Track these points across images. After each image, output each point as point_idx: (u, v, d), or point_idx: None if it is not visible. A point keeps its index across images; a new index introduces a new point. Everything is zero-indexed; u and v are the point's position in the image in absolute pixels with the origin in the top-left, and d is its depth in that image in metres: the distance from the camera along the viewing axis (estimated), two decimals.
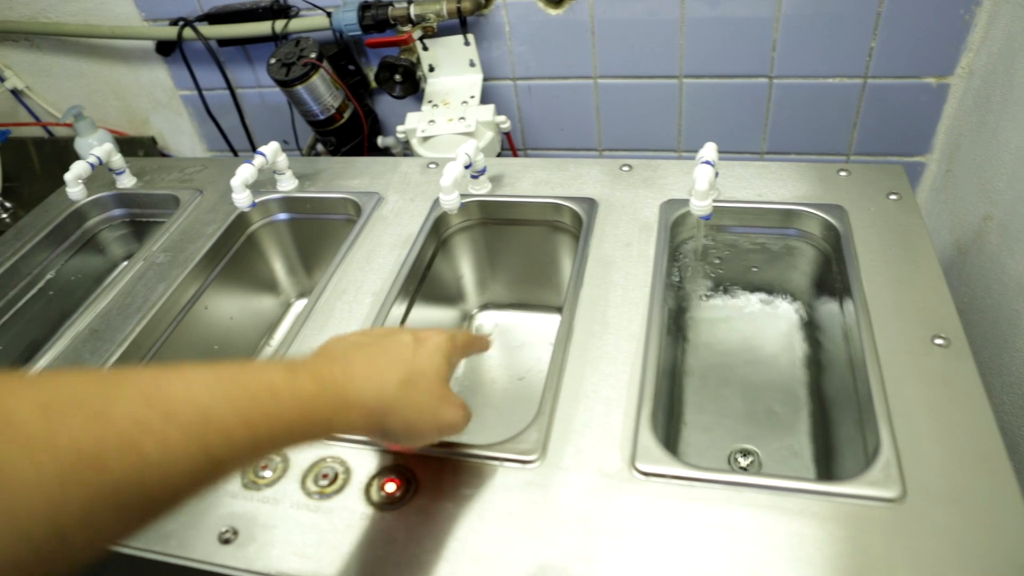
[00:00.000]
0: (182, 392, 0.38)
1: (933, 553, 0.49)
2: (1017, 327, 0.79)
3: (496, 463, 0.58)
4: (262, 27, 1.15)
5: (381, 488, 0.58)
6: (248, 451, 0.40)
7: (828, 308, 0.78)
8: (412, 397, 0.50)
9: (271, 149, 0.93)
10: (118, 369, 0.41)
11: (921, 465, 0.54)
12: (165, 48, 1.26)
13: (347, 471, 0.60)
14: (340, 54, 1.17)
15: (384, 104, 1.27)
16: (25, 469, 0.31)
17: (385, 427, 0.49)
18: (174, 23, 1.19)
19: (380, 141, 1.27)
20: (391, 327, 0.58)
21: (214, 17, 1.19)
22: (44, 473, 0.32)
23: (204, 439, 0.38)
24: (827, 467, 0.70)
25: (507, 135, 1.16)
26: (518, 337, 0.93)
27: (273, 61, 1.11)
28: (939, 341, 0.63)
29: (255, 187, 0.95)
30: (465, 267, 0.93)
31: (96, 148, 1.00)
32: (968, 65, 1.00)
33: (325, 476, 0.60)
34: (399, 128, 1.11)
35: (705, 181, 0.73)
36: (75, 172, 0.97)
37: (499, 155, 1.14)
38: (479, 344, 0.62)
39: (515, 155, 1.22)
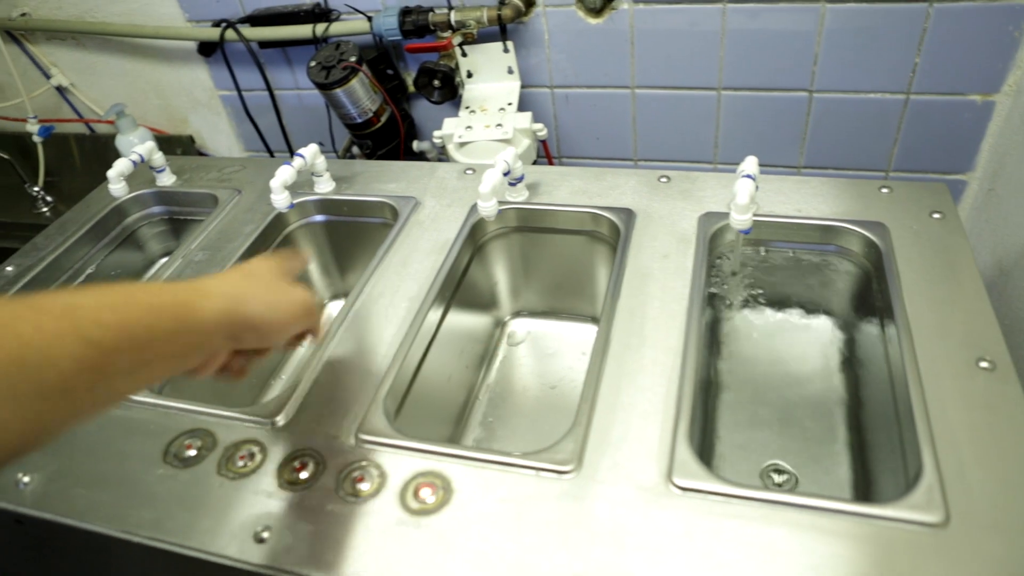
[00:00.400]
0: (51, 296, 0.42)
1: None
2: None
3: (532, 472, 0.58)
4: (303, 30, 1.16)
5: (416, 494, 0.58)
6: (124, 335, 0.43)
7: (867, 327, 0.77)
8: (258, 285, 0.56)
9: (310, 151, 0.94)
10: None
11: (964, 490, 0.53)
12: (207, 49, 1.28)
13: (382, 475, 0.60)
14: (379, 58, 1.18)
15: (420, 109, 1.27)
16: None
17: (245, 314, 0.53)
18: (216, 24, 1.21)
19: (416, 146, 1.27)
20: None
21: (256, 19, 1.21)
22: None
23: (75, 323, 0.41)
24: (863, 488, 0.69)
25: (543, 143, 1.16)
26: (551, 345, 0.93)
27: (313, 64, 1.12)
28: (984, 364, 0.62)
29: (293, 188, 0.96)
30: (500, 274, 0.93)
31: (138, 146, 1.01)
32: (1016, 83, 0.98)
33: (360, 479, 0.60)
34: (436, 133, 1.12)
35: (746, 195, 0.72)
36: (118, 169, 0.98)
37: (535, 163, 1.14)
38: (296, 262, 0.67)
39: (551, 163, 1.22)
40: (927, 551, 0.50)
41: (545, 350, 0.93)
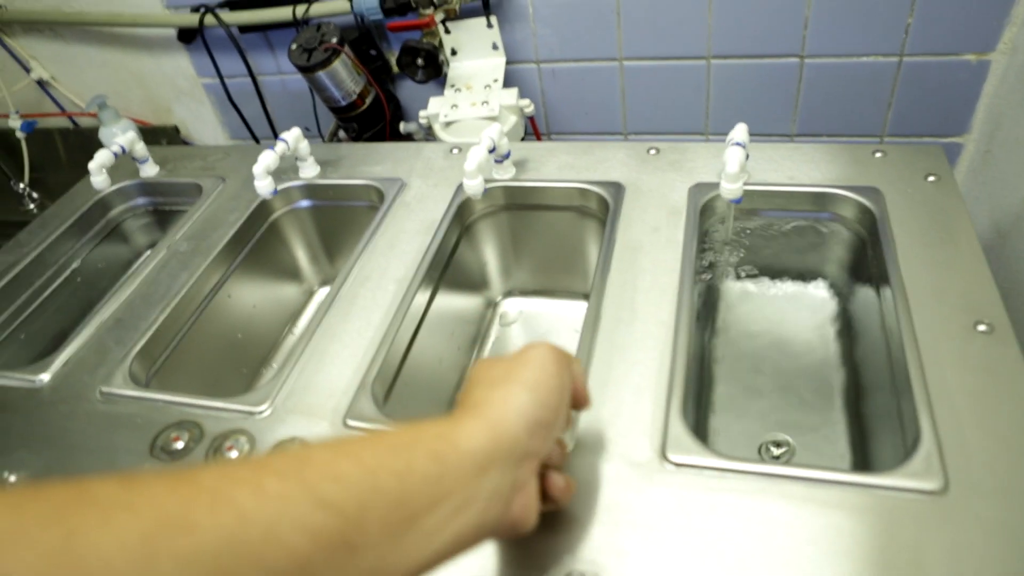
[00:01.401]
0: (276, 454, 0.34)
1: (976, 546, 0.47)
2: None
3: None
4: (283, 12, 1.14)
5: None
6: (368, 488, 0.33)
7: (863, 293, 0.76)
8: (532, 392, 0.44)
9: (293, 136, 0.92)
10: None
11: (964, 456, 0.52)
12: (187, 35, 1.26)
13: None
14: (361, 39, 1.16)
15: (406, 89, 1.25)
16: (105, 540, 0.27)
17: (515, 434, 0.42)
18: (195, 10, 1.19)
19: (402, 127, 1.25)
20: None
21: (235, 3, 1.18)
22: (126, 542, 0.27)
23: (305, 481, 0.32)
24: (863, 457, 0.68)
25: (531, 119, 1.14)
26: (544, 324, 0.92)
27: (294, 47, 1.10)
28: (982, 327, 0.60)
29: (277, 174, 0.95)
30: (489, 253, 0.91)
31: (119, 137, 1.00)
32: (1011, 40, 0.96)
33: None
34: (421, 113, 1.10)
35: (736, 163, 0.71)
36: (98, 161, 0.97)
37: (523, 139, 1.12)
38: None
39: (539, 139, 1.20)
40: (927, 519, 0.49)
41: (538, 329, 0.91)
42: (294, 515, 0.31)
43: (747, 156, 0.78)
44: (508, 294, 0.96)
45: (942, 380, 0.57)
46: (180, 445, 0.65)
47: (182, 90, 1.37)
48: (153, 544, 0.27)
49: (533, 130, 1.17)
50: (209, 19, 1.18)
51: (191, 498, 0.29)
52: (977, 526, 0.48)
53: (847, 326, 0.79)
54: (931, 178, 0.77)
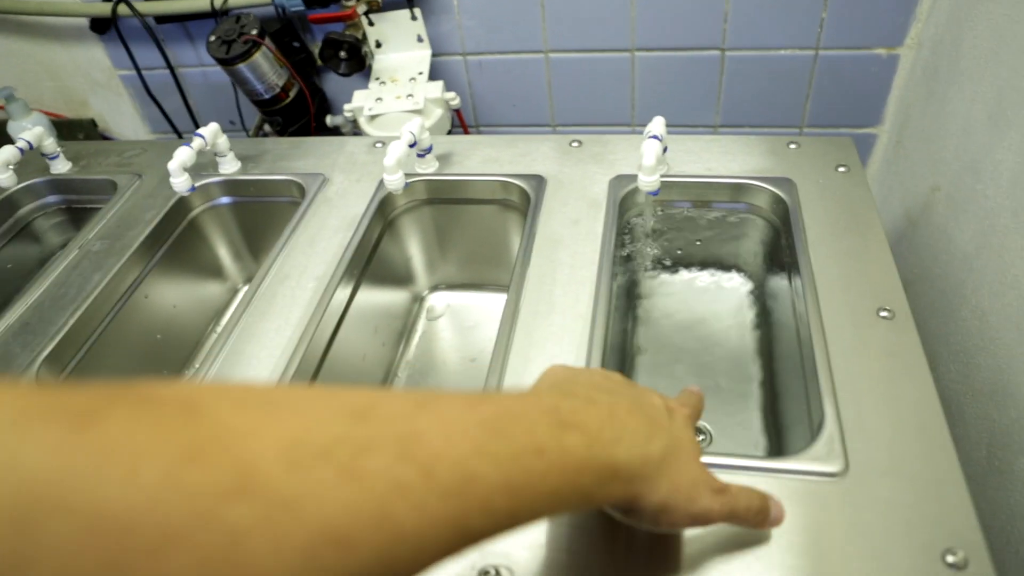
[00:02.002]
0: (442, 442, 0.31)
1: (874, 525, 0.49)
2: (962, 297, 0.79)
3: None
4: (200, 3, 1.11)
5: None
6: (504, 524, 0.33)
7: (778, 282, 0.78)
8: (672, 473, 0.41)
9: (210, 130, 0.90)
10: (369, 391, 0.33)
11: (863, 438, 0.54)
12: (100, 25, 1.21)
13: None
14: (283, 31, 1.13)
15: (333, 82, 1.23)
16: (264, 542, 0.25)
17: (638, 504, 0.40)
18: None
19: (329, 120, 1.23)
20: (621, 376, 0.48)
21: None
22: (284, 551, 0.25)
23: (463, 508, 0.30)
24: (778, 442, 0.70)
25: (458, 112, 1.13)
26: (471, 318, 0.92)
27: (213, 39, 1.07)
28: (884, 313, 0.63)
29: (198, 170, 0.92)
30: (414, 248, 0.91)
31: (26, 132, 0.95)
32: (917, 35, 1.00)
33: None
34: (346, 107, 1.09)
35: (652, 156, 0.71)
36: (3, 158, 0.92)
37: (450, 132, 1.12)
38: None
39: (466, 132, 1.20)
40: (828, 500, 0.50)
41: (465, 323, 0.91)
42: (440, 541, 0.30)
43: (665, 149, 0.79)
44: (435, 288, 0.95)
45: (845, 365, 0.59)
46: None
47: (98, 82, 1.32)
48: (311, 559, 0.25)
49: (460, 123, 1.16)
50: (123, 8, 1.14)
51: (357, 508, 0.27)
52: (874, 505, 0.50)
53: (763, 314, 0.82)
54: (842, 169, 0.80)
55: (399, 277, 0.91)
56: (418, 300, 0.94)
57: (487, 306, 0.93)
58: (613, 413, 0.40)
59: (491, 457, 0.32)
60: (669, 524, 0.42)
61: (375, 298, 0.83)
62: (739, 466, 0.54)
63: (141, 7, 1.13)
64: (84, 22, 1.21)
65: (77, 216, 1.02)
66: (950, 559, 0.46)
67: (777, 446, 0.70)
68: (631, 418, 0.40)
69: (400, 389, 0.31)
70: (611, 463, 0.37)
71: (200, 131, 0.88)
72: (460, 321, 0.92)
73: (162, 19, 1.17)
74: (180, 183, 0.87)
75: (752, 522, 0.46)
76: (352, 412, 0.30)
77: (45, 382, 0.25)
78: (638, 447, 0.39)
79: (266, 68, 1.08)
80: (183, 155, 0.85)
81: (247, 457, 0.26)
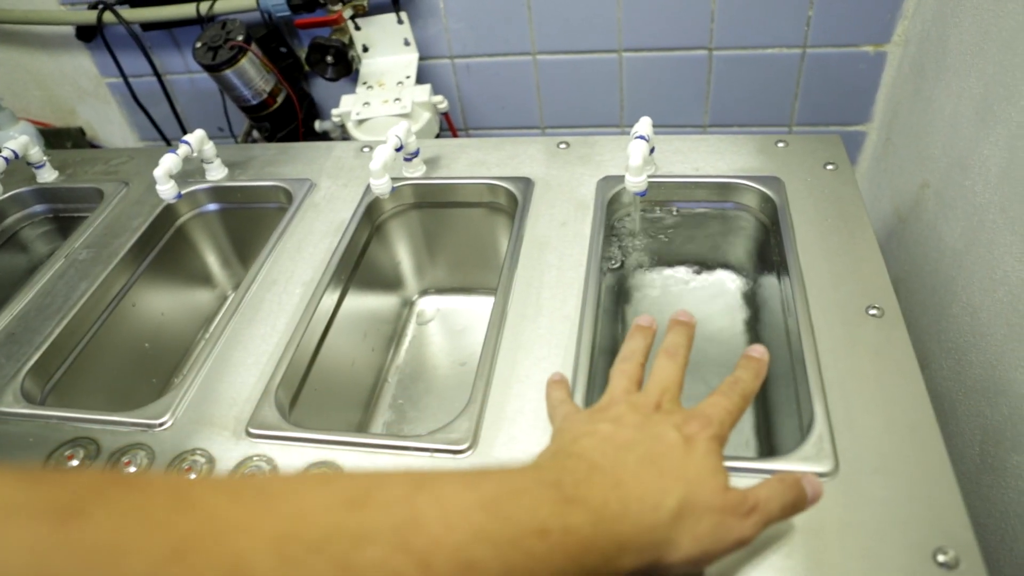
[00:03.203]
0: (440, 528, 0.30)
1: (865, 525, 0.48)
2: (952, 293, 0.79)
3: (427, 454, 0.56)
4: (186, 9, 1.11)
5: None
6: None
7: (767, 281, 0.78)
8: (691, 523, 0.39)
9: (197, 137, 0.89)
10: (366, 476, 0.33)
11: (853, 437, 0.53)
12: (86, 34, 1.20)
13: (274, 469, 0.58)
14: (270, 36, 1.13)
15: (321, 87, 1.23)
16: None
17: (660, 566, 0.39)
18: (93, 7, 1.14)
19: (318, 126, 1.23)
20: (641, 404, 0.47)
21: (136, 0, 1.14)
22: None
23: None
24: (768, 442, 0.70)
25: (446, 115, 1.13)
26: (460, 322, 0.91)
27: (199, 45, 1.07)
28: (873, 311, 0.62)
29: (185, 177, 0.92)
30: (402, 252, 0.90)
31: (11, 141, 0.95)
32: (904, 32, 0.99)
33: (252, 476, 0.57)
34: (334, 112, 1.08)
35: (639, 156, 0.71)
36: None
37: (438, 136, 1.11)
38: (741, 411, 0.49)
39: (455, 135, 1.19)
40: (822, 500, 0.50)
41: (455, 327, 0.91)
42: None
43: (652, 149, 0.79)
44: (424, 292, 0.95)
45: (835, 363, 0.59)
46: (75, 463, 0.62)
47: (85, 90, 1.31)
48: None
49: (449, 127, 1.16)
50: (108, 16, 1.13)
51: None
52: (864, 504, 0.49)
53: (754, 314, 0.81)
54: (830, 167, 0.79)
55: (388, 282, 0.91)
56: (408, 305, 0.94)
57: (477, 310, 0.92)
58: (619, 481, 0.39)
59: (491, 542, 0.31)
60: (706, 565, 0.41)
61: (364, 303, 0.83)
62: (730, 467, 0.53)
63: (127, 14, 1.13)
64: (70, 30, 1.21)
65: (64, 225, 1.01)
66: (941, 558, 0.45)
67: (768, 446, 0.69)
68: (639, 480, 0.39)
69: (400, 469, 0.31)
70: (617, 540, 0.36)
71: (186, 137, 0.88)
72: (450, 325, 0.91)
73: (148, 26, 1.17)
74: (166, 190, 0.86)
75: (795, 513, 0.45)
76: (348, 500, 0.30)
77: (32, 471, 0.23)
78: (647, 515, 0.38)
79: (253, 74, 1.08)
80: (169, 162, 0.85)
81: (239, 552, 0.25)
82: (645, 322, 0.55)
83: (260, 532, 0.26)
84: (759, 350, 0.52)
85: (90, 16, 1.14)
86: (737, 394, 0.48)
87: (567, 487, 0.37)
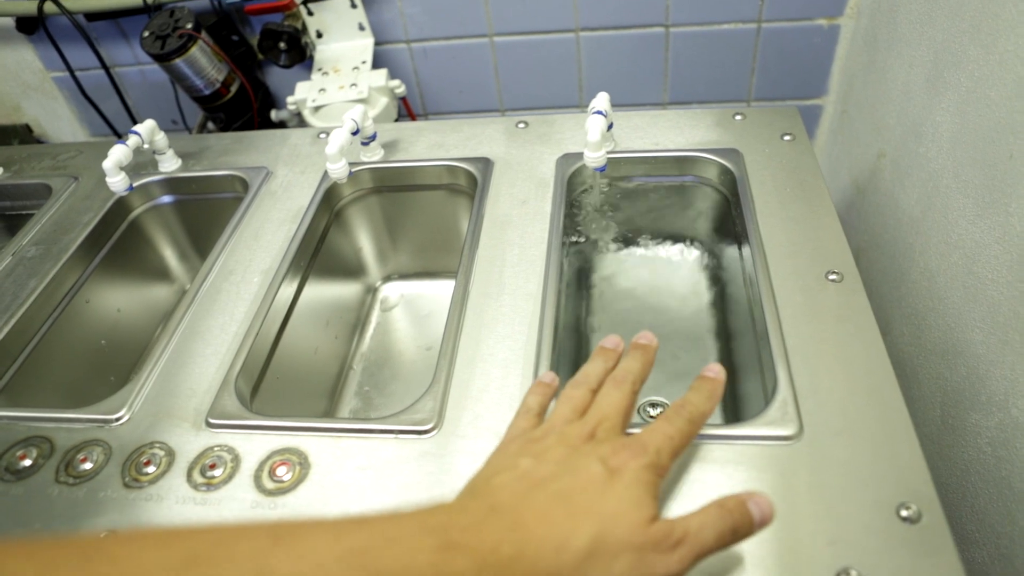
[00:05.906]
0: None
1: (830, 485, 0.49)
2: (911, 260, 0.80)
3: (391, 436, 0.55)
4: None
5: (272, 473, 0.55)
6: None
7: (729, 252, 0.78)
8: (605, 561, 0.36)
9: (147, 127, 0.87)
10: (219, 531, 0.31)
11: (816, 401, 0.54)
12: (27, 25, 1.16)
13: (236, 458, 0.56)
14: (220, 23, 1.10)
15: (276, 76, 1.21)
16: None
17: None
18: None
19: (274, 115, 1.21)
20: (573, 436, 0.44)
21: None
22: None
23: None
24: (735, 411, 0.70)
25: (403, 100, 1.12)
26: (425, 306, 0.90)
27: (147, 34, 1.04)
28: (832, 276, 0.63)
29: (138, 169, 0.90)
30: (363, 238, 0.89)
31: None
32: (856, 5, 1.00)
33: (212, 466, 0.56)
34: (289, 99, 1.06)
35: (597, 132, 0.71)
36: None
37: (396, 120, 1.10)
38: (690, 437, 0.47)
39: (413, 120, 1.18)
40: (784, 464, 0.50)
41: (419, 312, 0.90)
42: None
43: (610, 125, 0.79)
44: (387, 279, 0.93)
45: (796, 329, 0.59)
46: (28, 463, 0.60)
47: (30, 85, 1.27)
48: None
49: (407, 111, 1.15)
50: (50, 6, 1.09)
51: None
52: (829, 466, 0.50)
53: (717, 285, 0.82)
54: (787, 137, 0.80)
55: (350, 269, 0.89)
56: (371, 291, 0.93)
57: (441, 294, 0.91)
58: (518, 523, 0.36)
59: None
60: None
61: (326, 291, 0.81)
62: (699, 435, 0.53)
63: (69, 4, 1.09)
64: (10, 22, 1.17)
65: (11, 223, 0.98)
66: (904, 513, 0.46)
67: (735, 414, 0.70)
68: (545, 520, 0.37)
69: (264, 521, 0.30)
70: None
71: (136, 128, 0.86)
72: (415, 311, 0.90)
73: (93, 16, 1.13)
74: (117, 183, 0.84)
75: (737, 541, 0.41)
76: (189, 559, 0.28)
77: None
78: (547, 558, 0.36)
79: (204, 63, 1.06)
80: (118, 153, 0.82)
81: None
82: (610, 344, 0.53)
83: None
84: (714, 369, 0.50)
85: (30, 6, 1.10)
86: (683, 419, 0.46)
87: (453, 532, 0.35)
